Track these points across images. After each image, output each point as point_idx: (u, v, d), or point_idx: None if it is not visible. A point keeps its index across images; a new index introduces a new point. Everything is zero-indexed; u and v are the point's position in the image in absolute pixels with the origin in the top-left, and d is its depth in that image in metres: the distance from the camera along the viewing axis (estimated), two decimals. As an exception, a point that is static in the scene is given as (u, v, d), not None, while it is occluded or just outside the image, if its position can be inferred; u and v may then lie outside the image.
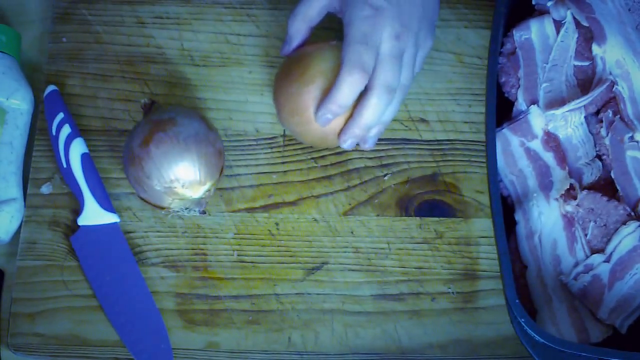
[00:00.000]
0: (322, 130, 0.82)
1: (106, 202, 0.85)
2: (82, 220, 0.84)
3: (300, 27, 0.84)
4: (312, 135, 0.83)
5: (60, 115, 0.86)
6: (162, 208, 0.82)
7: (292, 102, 0.82)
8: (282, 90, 0.83)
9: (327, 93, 0.80)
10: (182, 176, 0.80)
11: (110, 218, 0.84)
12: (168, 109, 0.84)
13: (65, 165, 0.85)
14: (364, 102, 0.80)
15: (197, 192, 0.81)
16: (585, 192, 0.81)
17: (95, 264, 0.84)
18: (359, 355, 0.84)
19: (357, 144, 0.84)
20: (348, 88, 0.79)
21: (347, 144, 0.82)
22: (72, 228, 0.85)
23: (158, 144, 0.80)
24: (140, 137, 0.81)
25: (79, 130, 0.86)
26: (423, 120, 0.90)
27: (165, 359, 0.82)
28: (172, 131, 0.80)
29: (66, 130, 0.85)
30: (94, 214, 0.84)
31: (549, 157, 0.83)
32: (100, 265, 0.83)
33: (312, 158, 0.89)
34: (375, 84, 0.79)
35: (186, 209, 0.82)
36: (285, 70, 0.84)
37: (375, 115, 0.80)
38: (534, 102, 0.85)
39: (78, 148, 0.85)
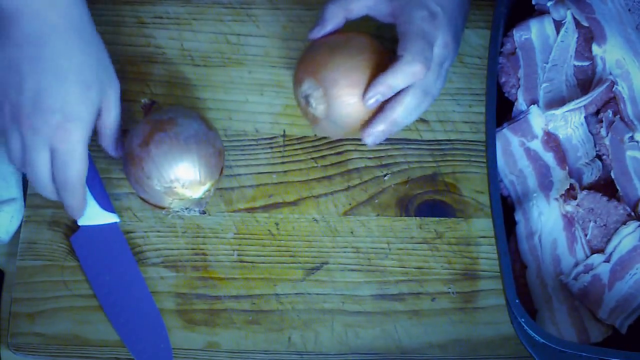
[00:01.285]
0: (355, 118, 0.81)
1: (106, 202, 0.85)
2: (82, 221, 0.84)
3: (337, 13, 0.82)
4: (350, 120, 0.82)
5: None
6: (162, 208, 0.82)
7: (344, 79, 0.80)
8: (323, 72, 0.80)
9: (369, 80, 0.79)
10: (182, 176, 0.80)
11: (110, 218, 0.84)
12: (168, 109, 0.84)
13: None
14: (399, 99, 0.80)
15: (197, 192, 0.81)
16: (585, 192, 0.81)
17: (95, 264, 0.84)
18: (359, 355, 0.84)
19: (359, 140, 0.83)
20: (405, 76, 0.78)
21: (370, 138, 0.81)
22: (72, 228, 0.85)
23: (158, 144, 0.80)
24: (140, 137, 0.81)
25: None
26: (423, 120, 0.90)
27: (165, 359, 0.82)
28: (172, 131, 0.80)
29: None
30: (93, 214, 0.84)
31: (549, 157, 0.83)
32: (100, 265, 0.83)
33: (312, 158, 0.89)
34: (416, 83, 0.80)
35: (186, 209, 0.82)
36: (324, 53, 0.81)
37: (406, 114, 0.80)
38: (534, 102, 0.85)
39: None
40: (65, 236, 0.85)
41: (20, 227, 0.86)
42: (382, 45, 0.83)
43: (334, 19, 0.82)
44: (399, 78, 0.78)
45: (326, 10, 0.82)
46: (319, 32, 0.82)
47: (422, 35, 0.79)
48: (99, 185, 0.85)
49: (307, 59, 0.82)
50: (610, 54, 0.83)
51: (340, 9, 0.82)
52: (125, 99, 0.90)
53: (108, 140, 0.83)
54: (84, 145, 0.77)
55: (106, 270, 0.83)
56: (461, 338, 0.84)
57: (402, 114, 0.80)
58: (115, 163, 0.87)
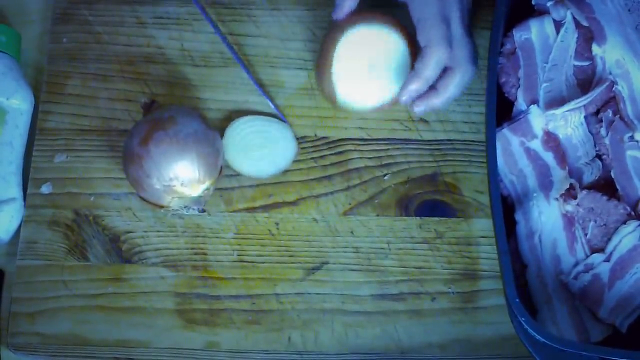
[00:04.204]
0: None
1: None
2: None
3: None
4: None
5: None
6: (162, 207, 0.82)
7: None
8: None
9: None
10: (181, 175, 0.80)
11: None
12: (168, 108, 0.84)
13: None
14: (450, 80, 0.84)
15: (196, 191, 0.81)
16: (585, 191, 0.81)
17: None
18: (359, 355, 0.84)
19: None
20: (435, 64, 0.82)
21: (421, 110, 0.85)
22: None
23: (157, 143, 0.80)
24: (139, 135, 0.81)
25: None
26: (423, 120, 0.90)
27: None
28: (172, 130, 0.80)
29: None
30: None
31: (549, 157, 0.83)
32: None
33: (312, 158, 0.89)
34: (459, 60, 0.83)
35: (185, 207, 0.82)
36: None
37: (459, 90, 0.84)
38: (534, 102, 0.85)
39: None
40: (65, 236, 0.85)
41: (20, 227, 0.86)
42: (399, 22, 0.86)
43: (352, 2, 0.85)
44: (431, 67, 0.82)
45: None
46: (340, 15, 0.85)
47: (439, 17, 0.82)
48: None
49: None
50: (610, 54, 0.83)
51: None
52: (125, 99, 0.90)
53: None
54: None
55: None
56: (461, 338, 0.84)
57: (458, 91, 0.85)
58: (115, 163, 0.87)
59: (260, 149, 0.88)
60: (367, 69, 0.85)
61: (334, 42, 0.85)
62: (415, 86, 0.83)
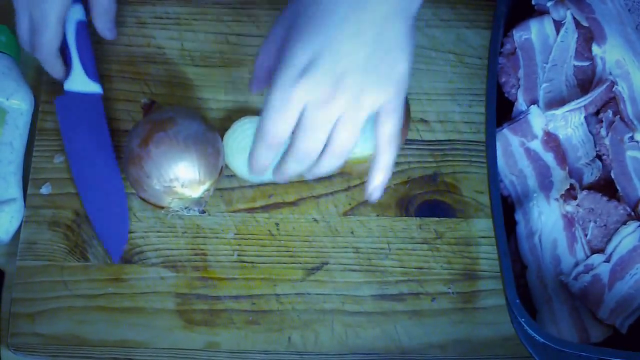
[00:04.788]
0: None
1: (92, 72, 0.87)
2: (68, 85, 0.87)
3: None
4: None
5: None
6: (162, 207, 0.82)
7: None
8: None
9: None
10: (182, 175, 0.80)
11: (94, 87, 0.87)
12: (168, 108, 0.84)
13: None
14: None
15: (197, 192, 0.81)
16: (585, 192, 0.81)
17: (73, 128, 0.86)
18: (359, 355, 0.84)
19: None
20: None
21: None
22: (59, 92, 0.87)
23: (158, 144, 0.80)
24: (140, 136, 0.81)
25: None
26: (423, 121, 0.90)
27: (122, 227, 0.84)
28: (172, 131, 0.80)
29: None
30: (79, 81, 0.87)
31: (549, 157, 0.83)
32: (77, 131, 0.86)
33: (312, 158, 0.89)
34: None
35: (186, 208, 0.82)
36: None
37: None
38: (534, 102, 0.85)
39: (76, 14, 0.87)
40: (66, 236, 0.85)
41: (20, 227, 0.86)
42: None
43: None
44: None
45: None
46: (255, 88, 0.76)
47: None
48: (88, 54, 0.87)
49: None
50: (610, 54, 0.83)
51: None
52: (125, 99, 0.90)
53: (100, 19, 0.86)
54: (55, 15, 0.82)
55: (82, 137, 0.86)
56: (461, 338, 0.84)
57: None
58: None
59: None
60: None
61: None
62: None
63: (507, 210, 0.82)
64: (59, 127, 0.87)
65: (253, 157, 0.71)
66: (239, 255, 0.86)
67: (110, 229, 0.85)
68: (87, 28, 0.87)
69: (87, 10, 0.88)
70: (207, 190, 0.82)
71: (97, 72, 0.88)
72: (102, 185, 0.85)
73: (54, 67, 0.86)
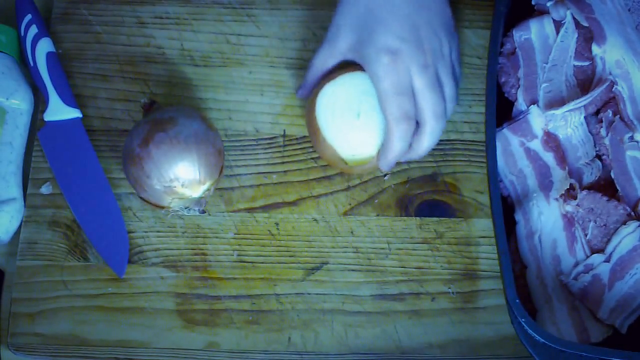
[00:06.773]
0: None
1: (69, 98, 0.88)
2: (48, 116, 0.87)
3: (317, 76, 0.87)
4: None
5: (29, 17, 0.89)
6: (162, 207, 0.82)
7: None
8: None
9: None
10: (182, 175, 0.80)
11: (72, 113, 0.87)
12: (168, 108, 0.84)
13: (32, 64, 0.88)
14: (421, 136, 0.83)
15: (197, 192, 0.81)
16: (585, 192, 0.81)
17: (60, 157, 0.87)
18: (359, 355, 0.84)
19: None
20: (401, 140, 0.82)
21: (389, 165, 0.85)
22: (40, 125, 0.88)
23: (158, 144, 0.80)
24: (140, 136, 0.81)
25: (46, 31, 0.89)
26: (423, 121, 0.90)
27: (122, 245, 0.85)
28: (172, 131, 0.80)
29: (33, 30, 0.89)
30: (57, 110, 0.87)
31: (549, 157, 0.83)
32: (64, 158, 0.87)
33: (312, 158, 0.89)
34: (424, 116, 0.82)
35: (186, 208, 0.82)
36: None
37: (434, 142, 0.84)
38: (534, 102, 0.85)
39: (44, 47, 0.88)
40: (65, 236, 0.85)
41: (20, 227, 0.86)
42: None
43: (313, 81, 0.87)
44: (398, 144, 0.82)
45: (308, 76, 0.87)
46: (303, 94, 0.88)
47: (392, 91, 0.81)
48: (63, 83, 0.88)
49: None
50: (610, 54, 0.83)
51: (319, 72, 0.87)
52: (126, 99, 0.90)
53: None
54: None
55: (69, 162, 0.87)
56: (461, 338, 0.84)
57: (431, 144, 0.84)
58: (115, 163, 0.87)
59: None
60: (355, 119, 0.84)
61: (313, 110, 0.85)
62: (391, 158, 0.83)
63: (507, 210, 0.82)
64: (45, 157, 0.87)
65: (389, 149, 0.82)
66: (239, 255, 0.86)
67: (111, 248, 0.85)
68: (57, 59, 0.89)
69: (55, 41, 0.90)
70: (207, 190, 0.82)
71: (73, 96, 0.88)
72: (98, 208, 0.86)
73: None
